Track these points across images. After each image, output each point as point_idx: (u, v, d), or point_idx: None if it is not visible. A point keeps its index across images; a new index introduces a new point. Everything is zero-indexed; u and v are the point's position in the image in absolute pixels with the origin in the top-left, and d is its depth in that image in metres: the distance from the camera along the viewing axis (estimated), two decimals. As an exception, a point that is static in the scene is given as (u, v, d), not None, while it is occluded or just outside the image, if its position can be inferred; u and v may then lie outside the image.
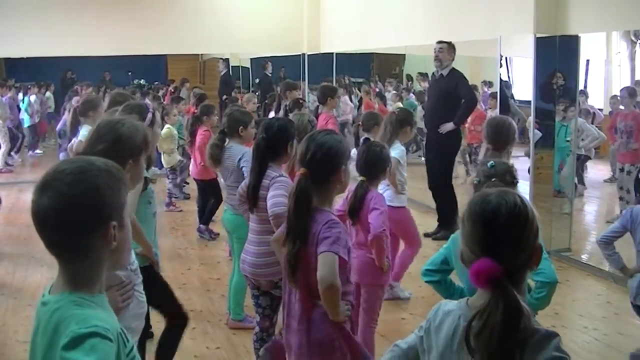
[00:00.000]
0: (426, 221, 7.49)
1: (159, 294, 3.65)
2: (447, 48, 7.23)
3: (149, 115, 3.59)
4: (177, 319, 3.81)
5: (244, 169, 4.77)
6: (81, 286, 1.58)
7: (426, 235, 7.22)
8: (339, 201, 4.04)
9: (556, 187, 7.15)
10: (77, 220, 1.56)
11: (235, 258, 5.06)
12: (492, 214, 1.64)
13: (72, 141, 6.42)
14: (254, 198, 3.68)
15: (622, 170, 7.47)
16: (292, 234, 2.73)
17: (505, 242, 1.62)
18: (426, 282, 3.07)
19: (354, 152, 5.65)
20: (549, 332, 1.60)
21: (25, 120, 13.80)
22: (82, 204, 1.56)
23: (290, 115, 5.53)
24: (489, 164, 3.10)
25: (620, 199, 7.55)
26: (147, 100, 10.27)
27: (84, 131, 5.52)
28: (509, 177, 3.01)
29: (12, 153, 13.09)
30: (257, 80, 16.46)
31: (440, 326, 1.77)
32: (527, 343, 1.56)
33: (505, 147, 4.18)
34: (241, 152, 4.91)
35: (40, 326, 1.55)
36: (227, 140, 5.07)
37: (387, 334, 4.44)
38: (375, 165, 4.05)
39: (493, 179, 2.96)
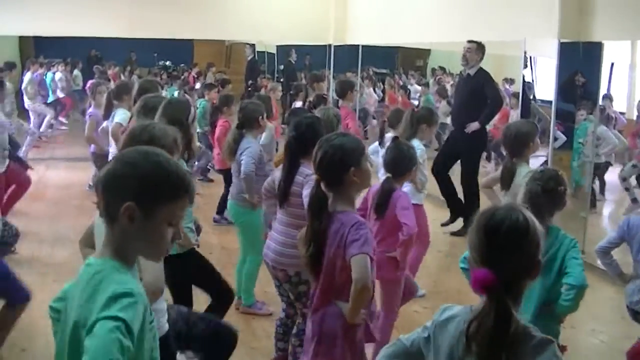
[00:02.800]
0: (444, 215, 7.56)
1: (202, 274, 3.88)
2: (476, 48, 7.22)
3: (192, 111, 3.79)
4: (221, 296, 4.02)
5: (242, 161, 4.98)
6: (120, 256, 1.79)
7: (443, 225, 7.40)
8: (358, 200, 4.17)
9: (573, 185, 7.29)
10: (118, 185, 1.78)
11: (240, 247, 5.29)
12: (494, 227, 1.77)
13: (105, 124, 6.68)
14: (285, 194, 3.77)
15: (635, 166, 7.74)
16: (308, 237, 2.89)
17: (503, 254, 1.74)
18: (461, 268, 3.13)
19: (374, 146, 5.81)
20: (545, 339, 1.74)
21: (49, 96, 13.99)
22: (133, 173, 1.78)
23: (315, 111, 5.65)
24: (539, 169, 3.34)
25: (626, 189, 7.83)
26: (176, 89, 10.52)
27: (121, 114, 5.85)
28: (552, 183, 3.16)
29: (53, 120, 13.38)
30: (281, 67, 16.52)
31: (445, 330, 1.88)
32: (518, 347, 1.70)
33: (521, 153, 4.27)
34: (245, 147, 5.05)
35: (81, 282, 1.76)
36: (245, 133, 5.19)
37: (399, 326, 4.51)
38: (401, 164, 4.18)
39: (537, 182, 3.15)
